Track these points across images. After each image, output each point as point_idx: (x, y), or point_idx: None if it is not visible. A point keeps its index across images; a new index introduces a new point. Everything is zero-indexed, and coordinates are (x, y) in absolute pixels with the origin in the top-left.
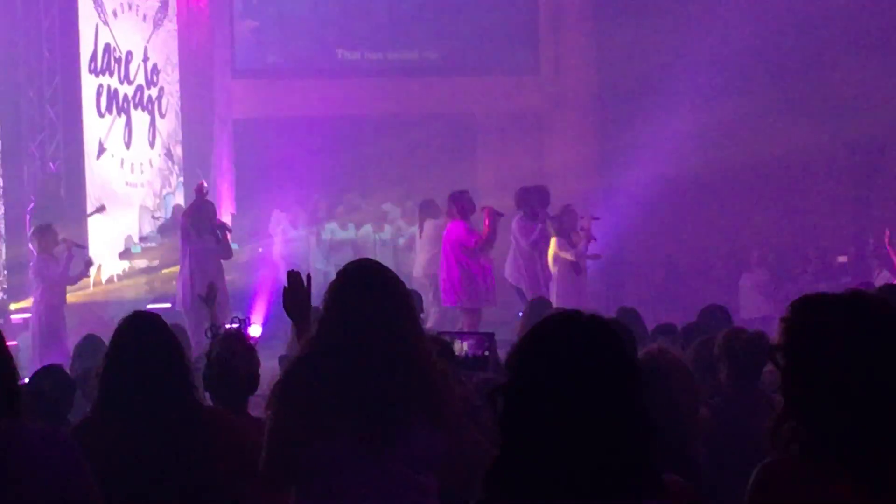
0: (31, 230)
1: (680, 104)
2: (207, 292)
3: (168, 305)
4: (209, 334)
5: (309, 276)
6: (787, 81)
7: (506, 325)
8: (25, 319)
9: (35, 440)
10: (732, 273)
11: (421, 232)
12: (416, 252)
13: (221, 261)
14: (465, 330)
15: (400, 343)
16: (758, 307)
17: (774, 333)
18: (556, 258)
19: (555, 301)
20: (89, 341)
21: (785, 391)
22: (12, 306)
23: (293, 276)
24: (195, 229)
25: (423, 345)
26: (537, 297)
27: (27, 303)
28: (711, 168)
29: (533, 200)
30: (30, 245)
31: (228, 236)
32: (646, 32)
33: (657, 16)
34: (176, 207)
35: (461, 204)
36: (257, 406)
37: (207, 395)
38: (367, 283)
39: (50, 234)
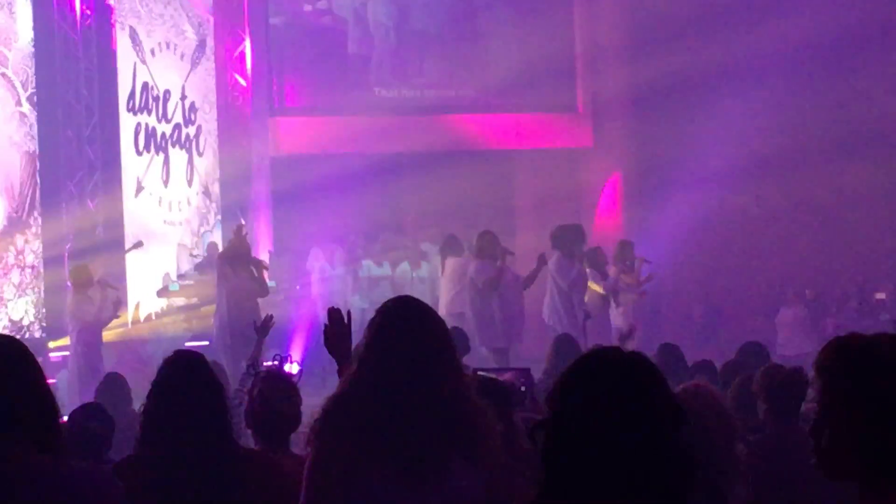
0: (69, 269)
1: (718, 140)
2: (264, 322)
3: (206, 343)
4: (251, 371)
5: (349, 314)
6: (827, 116)
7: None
8: (64, 357)
9: (78, 478)
10: (771, 309)
11: (443, 270)
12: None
13: (258, 299)
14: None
15: (439, 381)
16: (795, 344)
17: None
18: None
19: (587, 335)
20: (111, 381)
21: (815, 433)
22: (51, 344)
23: (334, 313)
24: (231, 267)
25: (462, 383)
26: (563, 335)
27: (65, 341)
28: (749, 203)
29: (569, 240)
30: (68, 283)
31: (265, 274)
32: (683, 69)
33: (694, 52)
34: (211, 245)
35: (480, 243)
36: (300, 443)
37: (250, 432)
38: (406, 320)
39: (85, 273)
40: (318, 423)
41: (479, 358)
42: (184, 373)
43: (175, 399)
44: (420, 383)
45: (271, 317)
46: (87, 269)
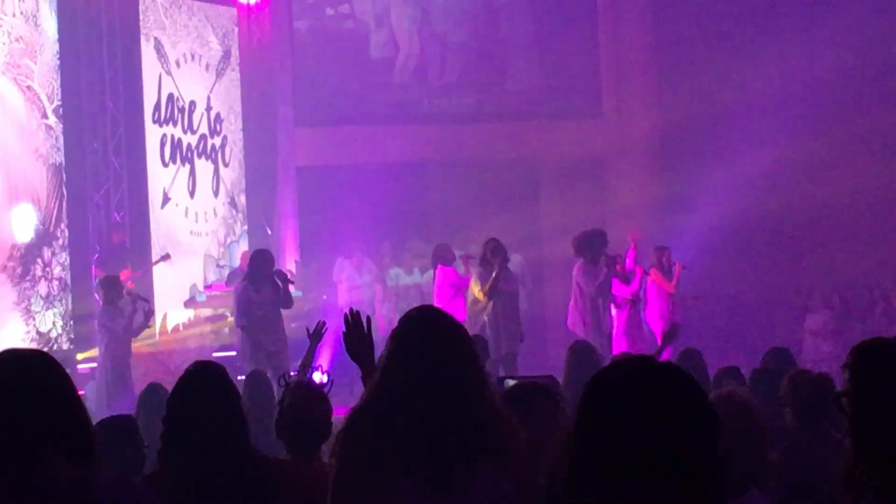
0: (97, 281)
1: (743, 146)
2: (316, 328)
3: (234, 353)
4: (281, 383)
5: (369, 319)
6: (852, 122)
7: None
8: (92, 369)
9: (110, 490)
10: (797, 315)
11: (435, 278)
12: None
13: (282, 310)
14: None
15: (463, 389)
16: (822, 350)
17: (838, 377)
18: (615, 299)
19: (614, 341)
20: (152, 391)
21: (854, 437)
22: (79, 356)
23: (352, 316)
24: (252, 280)
25: (487, 390)
26: (579, 343)
27: (93, 353)
28: (775, 210)
29: (593, 245)
30: (96, 295)
31: (290, 286)
32: (708, 76)
33: (719, 59)
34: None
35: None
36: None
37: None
38: (429, 329)
39: (116, 285)
40: (343, 433)
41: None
42: (201, 384)
43: (192, 410)
44: (443, 392)
45: (324, 323)
46: (118, 280)
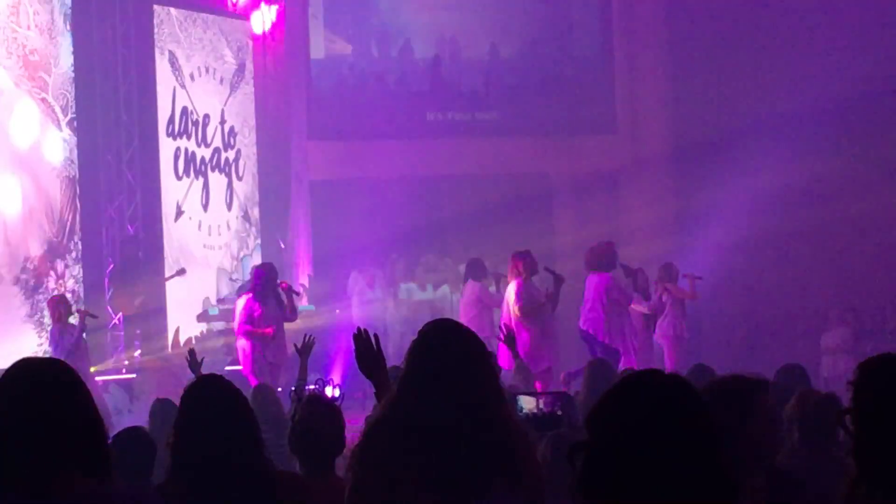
0: (47, 301)
1: (757, 162)
2: (304, 343)
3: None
4: (293, 397)
5: (377, 337)
6: (866, 140)
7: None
8: (105, 381)
9: (123, 500)
10: (813, 332)
11: (462, 293)
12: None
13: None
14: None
15: (480, 405)
16: (839, 366)
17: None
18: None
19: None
20: (161, 405)
21: (858, 455)
22: (91, 369)
23: (360, 336)
24: (256, 293)
25: (504, 406)
26: (597, 359)
27: (107, 365)
28: (789, 226)
29: (603, 259)
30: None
31: (296, 299)
32: (722, 91)
33: (734, 75)
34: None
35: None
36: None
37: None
38: (447, 343)
39: (63, 303)
40: (359, 447)
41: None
42: (208, 397)
43: (201, 424)
44: (460, 407)
45: (311, 337)
46: (65, 299)
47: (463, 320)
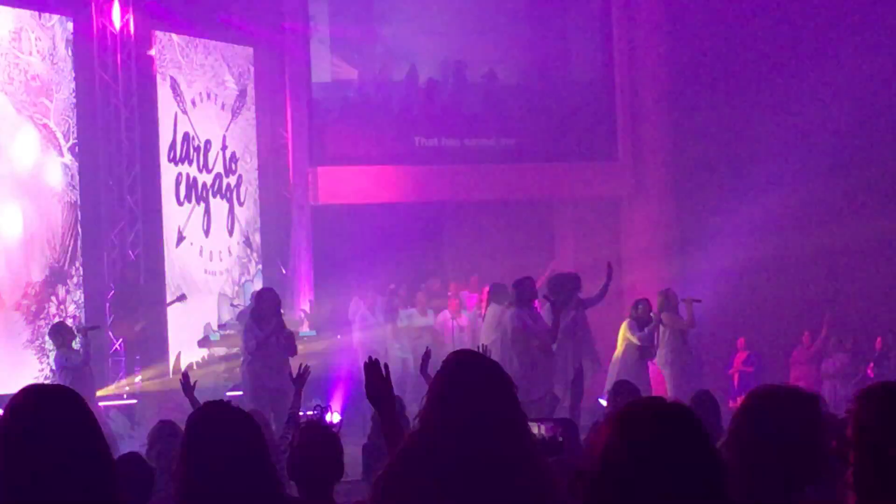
0: (47, 332)
1: (757, 189)
2: (300, 373)
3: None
4: (291, 423)
5: (387, 366)
6: (866, 166)
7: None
8: (107, 407)
9: None
10: (813, 356)
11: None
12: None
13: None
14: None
15: (505, 438)
16: (839, 393)
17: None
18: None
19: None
20: (163, 427)
21: (857, 485)
22: (96, 393)
23: (371, 366)
24: (256, 318)
25: (528, 439)
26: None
27: (110, 390)
28: (790, 253)
29: (566, 288)
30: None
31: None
32: (723, 118)
33: (734, 101)
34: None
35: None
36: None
37: (293, 484)
38: (471, 376)
39: (63, 330)
40: (382, 479)
41: None
42: (214, 424)
43: (207, 453)
44: (486, 440)
45: (307, 367)
46: (65, 324)
47: (483, 342)
